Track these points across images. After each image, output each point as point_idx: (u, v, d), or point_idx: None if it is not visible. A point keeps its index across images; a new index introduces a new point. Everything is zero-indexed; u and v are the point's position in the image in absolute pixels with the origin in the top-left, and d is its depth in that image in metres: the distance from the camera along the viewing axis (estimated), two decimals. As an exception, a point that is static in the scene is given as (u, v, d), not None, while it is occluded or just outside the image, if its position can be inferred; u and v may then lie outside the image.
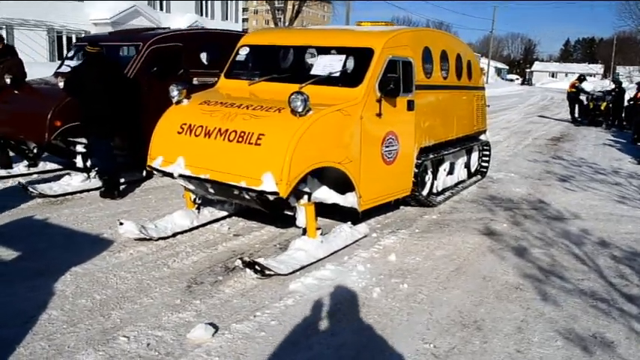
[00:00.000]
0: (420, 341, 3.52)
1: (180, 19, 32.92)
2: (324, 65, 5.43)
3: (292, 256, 4.63)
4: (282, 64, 5.97)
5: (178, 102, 5.36)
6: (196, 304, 3.95)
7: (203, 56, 8.41)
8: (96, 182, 7.08)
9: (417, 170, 6.15)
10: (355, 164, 5.02)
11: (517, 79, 79.92)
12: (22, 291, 4.08)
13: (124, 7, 29.02)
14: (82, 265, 4.62)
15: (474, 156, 8.79)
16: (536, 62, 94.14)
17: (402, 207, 6.75)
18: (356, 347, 3.42)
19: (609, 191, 8.40)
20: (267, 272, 4.28)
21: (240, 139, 4.61)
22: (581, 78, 19.85)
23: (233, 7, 40.95)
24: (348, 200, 5.22)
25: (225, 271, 4.57)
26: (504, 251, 5.36)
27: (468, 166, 8.56)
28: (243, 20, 59.15)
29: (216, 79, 6.51)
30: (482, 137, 9.02)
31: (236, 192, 4.65)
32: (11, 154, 8.06)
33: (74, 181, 7.10)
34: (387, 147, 5.47)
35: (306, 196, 4.84)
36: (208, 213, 5.83)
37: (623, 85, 19.77)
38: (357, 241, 5.33)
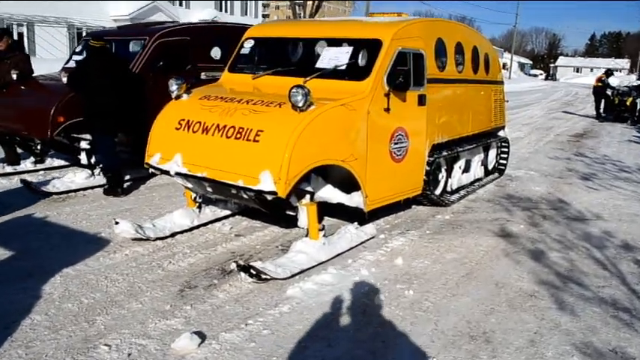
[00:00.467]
0: (421, 356, 3.25)
1: (199, 14, 32.89)
2: (330, 58, 5.17)
3: (292, 259, 4.39)
4: (288, 57, 5.72)
5: (178, 97, 5.16)
6: (187, 310, 3.73)
7: (211, 50, 8.20)
8: (100, 179, 6.93)
9: (428, 168, 5.86)
10: (361, 162, 4.75)
11: (541, 74, 78.49)
12: (9, 293, 3.91)
13: (143, 4, 29.12)
14: (74, 266, 4.45)
15: (492, 153, 8.45)
16: (560, 57, 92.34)
17: (413, 206, 6.47)
18: (353, 360, 3.17)
19: (634, 190, 7.99)
20: (264, 276, 4.05)
21: (239, 136, 4.38)
22: (609, 72, 19.23)
23: (252, 3, 40.84)
24: (354, 200, 4.97)
25: (222, 274, 4.35)
26: (520, 255, 5.04)
27: (485, 163, 8.22)
28: (264, 16, 59.00)
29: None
30: (501, 133, 8.67)
31: (234, 191, 4.42)
32: (19, 150, 7.98)
33: (78, 178, 6.96)
34: (395, 144, 5.19)
35: (308, 196, 4.59)
36: (210, 212, 5.62)
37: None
38: (363, 242, 5.07)
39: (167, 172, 4.80)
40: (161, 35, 7.46)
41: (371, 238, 5.19)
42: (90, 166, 7.08)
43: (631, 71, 65.90)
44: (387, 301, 3.91)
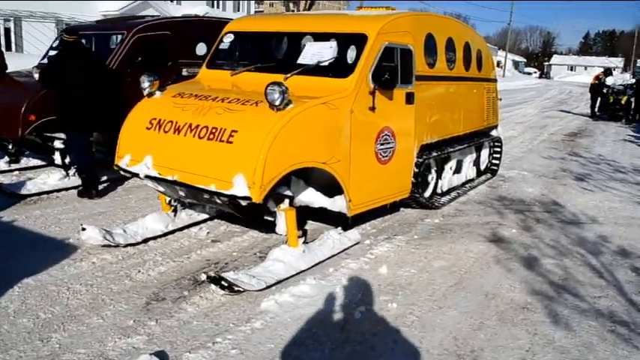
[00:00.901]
0: (404, 378, 2.98)
1: (190, 10, 32.44)
2: (313, 53, 4.88)
3: (269, 268, 4.11)
4: (270, 53, 5.42)
5: (150, 94, 4.86)
6: (151, 326, 3.44)
7: (196, 46, 7.88)
8: (75, 180, 6.61)
9: (417, 170, 5.59)
10: (344, 164, 4.47)
11: (535, 72, 78.41)
12: (-39, 306, 3.61)
13: (133, -1, 28.72)
14: (36, 276, 4.15)
15: (484, 153, 8.19)
16: (554, 55, 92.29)
17: (402, 209, 6.20)
18: (328, 384, 2.89)
19: (630, 192, 7.75)
20: (236, 288, 3.76)
21: (212, 136, 4.09)
22: (608, 72, 19.02)
23: (245, -1, 40.45)
24: (337, 204, 4.69)
25: (193, 284, 4.06)
26: (512, 262, 4.78)
27: (477, 163, 7.97)
28: (257, 12, 58.54)
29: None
30: (494, 133, 8.42)
31: (206, 196, 4.13)
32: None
33: (51, 179, 6.65)
34: (381, 144, 4.91)
35: (286, 200, 4.31)
36: (186, 216, 5.32)
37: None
38: (346, 249, 4.78)
39: (137, 175, 4.50)
40: (140, 30, 7.14)
41: (355, 244, 4.91)
42: (64, 167, 6.77)
43: (624, 69, 65.86)
44: (368, 316, 3.63)
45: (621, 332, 3.60)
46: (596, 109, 18.86)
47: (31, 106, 6.38)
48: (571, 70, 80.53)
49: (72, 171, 6.68)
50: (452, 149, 6.52)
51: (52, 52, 7.95)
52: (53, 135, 6.72)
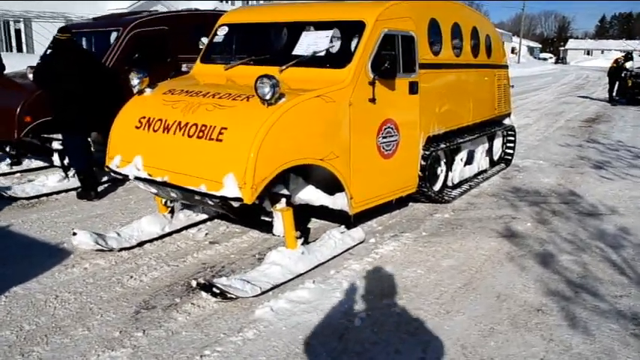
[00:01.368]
0: (405, 393, 2.73)
1: (199, 6, 32.26)
2: (309, 44, 4.63)
3: (265, 272, 3.88)
4: (265, 45, 5.17)
5: (140, 92, 4.64)
6: (137, 337, 3.24)
7: (194, 40, 7.65)
8: (75, 182, 6.46)
9: (424, 163, 5.31)
10: (343, 160, 4.22)
11: (550, 57, 77.06)
12: (-57, 319, 3.45)
13: (142, -5, 28.57)
14: (25, 284, 3.98)
15: (497, 142, 7.89)
16: (570, 40, 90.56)
17: (411, 204, 5.93)
18: (322, 401, 2.66)
19: (652, 179, 7.39)
20: (229, 295, 3.54)
21: (201, 134, 3.87)
22: (628, 56, 18.45)
23: (255, -7, 40.14)
24: (338, 202, 4.44)
25: (186, 290, 3.85)
26: (526, 259, 4.50)
27: (490, 154, 7.67)
28: (267, 6, 58.04)
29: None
30: (507, 121, 8.10)
31: (198, 197, 3.91)
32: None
33: (50, 181, 6.51)
34: (384, 138, 4.65)
35: (283, 200, 4.07)
36: (184, 217, 5.12)
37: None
38: (349, 249, 4.54)
39: (127, 177, 4.30)
40: (136, 25, 6.95)
41: (359, 244, 4.66)
42: (63, 168, 6.62)
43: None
44: (369, 322, 3.39)
45: (645, 335, 3.32)
46: (615, 94, 18.31)
47: (26, 107, 6.24)
48: (588, 54, 78.96)
49: (71, 172, 6.53)
50: (462, 140, 6.23)
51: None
52: (51, 136, 6.56)
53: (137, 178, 4.20)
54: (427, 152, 5.33)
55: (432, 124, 5.40)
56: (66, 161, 6.55)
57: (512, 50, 60.52)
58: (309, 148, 3.93)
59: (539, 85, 26.99)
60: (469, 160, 7.10)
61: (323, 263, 4.22)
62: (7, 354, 3.09)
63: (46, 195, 6.30)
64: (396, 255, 4.50)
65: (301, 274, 4.00)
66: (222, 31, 5.35)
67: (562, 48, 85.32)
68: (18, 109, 6.16)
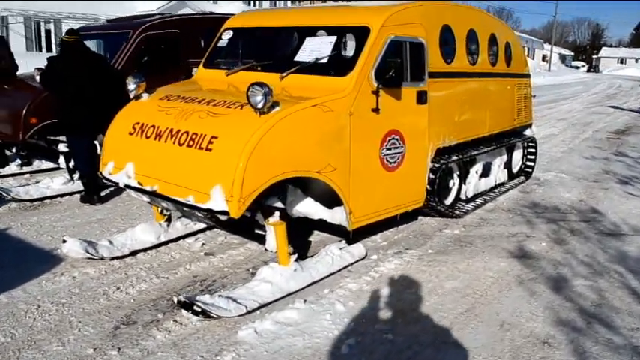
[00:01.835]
0: None
1: (227, 9, 32.41)
2: (312, 49, 4.44)
3: (253, 289, 3.68)
4: (268, 50, 4.98)
5: (137, 97, 4.51)
6: (111, 356, 3.07)
7: (205, 44, 7.54)
8: (79, 185, 6.37)
9: (433, 176, 5.05)
10: (342, 172, 4.00)
11: (582, 66, 75.38)
12: None
13: (170, -2, 28.87)
14: (10, 292, 3.88)
15: (517, 155, 7.55)
16: (603, 48, 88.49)
17: (420, 218, 5.67)
18: None
19: (682, 198, 6.97)
20: (211, 314, 3.35)
21: (191, 143, 3.69)
22: None
23: (282, -4, 40.21)
24: (337, 217, 4.22)
25: (171, 306, 3.67)
26: (536, 283, 4.20)
27: (508, 166, 7.34)
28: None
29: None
30: (527, 132, 7.76)
31: (186, 209, 3.74)
32: (9, 153, 7.53)
33: (55, 184, 6.44)
34: (388, 149, 4.41)
35: (277, 213, 3.87)
36: (182, 226, 4.96)
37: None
38: (348, 266, 4.31)
39: (118, 184, 4.16)
40: (146, 28, 6.86)
41: (359, 260, 4.43)
42: (69, 171, 6.55)
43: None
44: (358, 349, 3.16)
45: (662, 376, 3.02)
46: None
47: (32, 109, 6.19)
48: (621, 62, 77.01)
49: (76, 175, 6.45)
50: (476, 152, 5.94)
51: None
52: (57, 138, 6.50)
53: (127, 187, 4.05)
54: (437, 165, 5.07)
55: (442, 136, 5.14)
56: (71, 164, 6.47)
57: (543, 58, 59.41)
58: (304, 159, 3.72)
59: (569, 94, 26.30)
60: (485, 173, 6.81)
61: (318, 281, 4.00)
62: (-25, 369, 2.96)
63: (50, 198, 6.22)
64: (397, 274, 4.26)
65: (293, 293, 3.79)
66: (226, 35, 5.19)
67: (595, 56, 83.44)
68: (24, 111, 6.11)
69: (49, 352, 3.12)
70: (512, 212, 6.15)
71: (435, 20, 4.97)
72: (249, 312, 3.48)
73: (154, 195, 3.87)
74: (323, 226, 4.50)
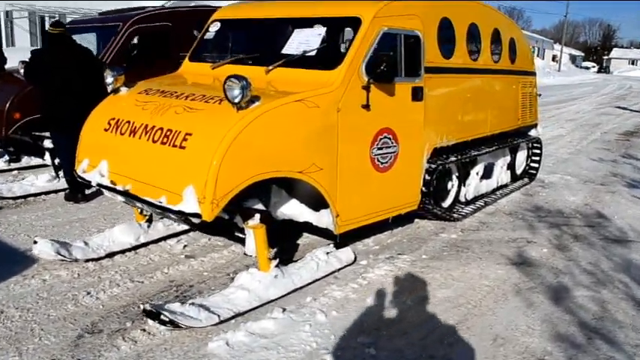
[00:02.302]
0: None
1: (225, 2, 32.16)
2: (300, 42, 4.19)
3: (229, 297, 3.44)
4: (256, 42, 4.74)
5: (115, 91, 4.28)
6: (69, 370, 2.84)
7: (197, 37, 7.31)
8: (65, 182, 6.16)
9: (428, 177, 4.79)
10: (328, 173, 3.75)
11: (593, 66, 74.55)
12: None
13: (180, -8, 28.65)
14: (-25, 296, 3.65)
15: (521, 155, 7.28)
16: (614, 49, 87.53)
17: (416, 220, 5.41)
18: None
19: (692, 203, 6.66)
20: (180, 325, 3.11)
21: (165, 140, 3.46)
22: None
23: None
24: (324, 220, 3.98)
25: (141, 314, 3.43)
26: (535, 293, 3.93)
27: (512, 167, 7.07)
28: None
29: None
30: (533, 133, 7.48)
31: (159, 210, 3.50)
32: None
33: (39, 181, 6.24)
34: (379, 149, 4.16)
35: (257, 216, 3.62)
36: (163, 227, 4.72)
37: None
38: (334, 272, 4.06)
39: (91, 183, 3.93)
40: (136, 21, 6.64)
41: (347, 266, 4.18)
42: (55, 168, 6.34)
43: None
44: (337, 366, 2.91)
45: (669, 400, 2.75)
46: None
47: (15, 103, 5.99)
48: (632, 64, 76.13)
49: (62, 172, 6.24)
50: (477, 152, 5.67)
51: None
52: (42, 134, 6.30)
53: (100, 186, 3.83)
54: (433, 166, 4.80)
55: (439, 135, 4.88)
56: (57, 161, 6.27)
57: (554, 58, 58.83)
58: (286, 159, 3.47)
59: (578, 95, 25.90)
60: (487, 174, 6.53)
61: (300, 288, 3.76)
62: None
63: (34, 195, 6.03)
64: (387, 281, 4.00)
65: (272, 301, 3.55)
66: (214, 27, 4.95)
67: (605, 57, 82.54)
68: (7, 106, 5.90)
69: (3, 364, 2.89)
70: (513, 216, 5.87)
71: (433, 12, 4.71)
72: (222, 322, 3.24)
73: (126, 195, 3.64)
74: (310, 228, 4.25)
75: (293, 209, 4.01)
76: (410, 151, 4.47)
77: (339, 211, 3.88)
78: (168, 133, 3.46)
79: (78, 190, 5.86)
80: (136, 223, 4.59)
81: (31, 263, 4.22)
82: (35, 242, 4.10)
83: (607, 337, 3.34)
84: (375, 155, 4.12)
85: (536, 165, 7.51)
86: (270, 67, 4.06)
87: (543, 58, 55.47)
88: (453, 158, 5.17)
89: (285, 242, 4.65)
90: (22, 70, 6.10)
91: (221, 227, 3.83)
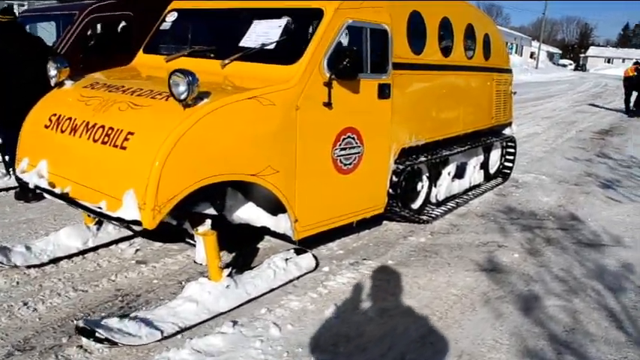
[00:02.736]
0: None
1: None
2: (259, 34, 3.92)
3: (175, 310, 3.18)
4: (215, 34, 4.47)
5: (59, 84, 3.97)
6: (-13, 395, 2.56)
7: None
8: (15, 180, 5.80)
9: (396, 179, 4.57)
10: (285, 175, 3.50)
11: (570, 64, 75.38)
12: None
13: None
14: None
15: (494, 155, 7.12)
16: (591, 47, 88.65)
17: (385, 222, 5.20)
18: None
19: (666, 204, 6.57)
20: (117, 342, 2.84)
21: (106, 139, 3.17)
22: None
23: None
24: (281, 225, 3.73)
25: (74, 331, 3.15)
26: (504, 303, 3.74)
27: (485, 167, 6.90)
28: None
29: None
30: (507, 131, 7.33)
31: (98, 217, 3.22)
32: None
33: (-11, 178, 5.87)
34: (342, 149, 3.92)
35: (208, 221, 3.36)
36: (114, 230, 4.42)
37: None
38: (293, 280, 3.82)
39: (29, 185, 3.63)
40: (94, 10, 6.29)
41: (307, 273, 3.94)
42: (5, 165, 5.99)
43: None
44: (287, 388, 2.68)
45: (641, 423, 2.57)
46: (632, 105, 17.33)
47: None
48: (608, 62, 77.21)
49: (12, 169, 5.88)
50: (448, 152, 5.47)
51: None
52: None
53: (38, 188, 3.52)
54: (401, 167, 4.59)
55: (408, 134, 4.66)
56: (7, 157, 5.91)
57: (531, 55, 59.27)
58: (238, 160, 3.21)
59: (555, 92, 26.00)
60: (460, 174, 6.37)
61: (255, 298, 3.51)
62: None
63: (-18, 194, 5.67)
64: (349, 290, 3.77)
65: (223, 313, 3.29)
66: (170, 17, 4.66)
67: (582, 55, 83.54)
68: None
69: None
70: (485, 217, 5.70)
71: (403, 5, 4.48)
72: (165, 338, 2.98)
73: (65, 199, 3.34)
74: (271, 232, 4.01)
75: (250, 213, 3.76)
76: (376, 151, 4.24)
77: (298, 216, 3.63)
78: (110, 131, 3.17)
79: (29, 189, 5.50)
80: (84, 226, 4.29)
81: (-33, 270, 3.90)
82: (-31, 247, 3.79)
83: (578, 352, 3.16)
84: (338, 156, 3.89)
85: (510, 164, 7.37)
86: (227, 61, 3.80)
87: (521, 55, 55.86)
88: (422, 159, 4.96)
89: (244, 247, 4.41)
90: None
91: (170, 233, 3.56)
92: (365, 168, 4.13)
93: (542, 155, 9.43)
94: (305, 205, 3.66)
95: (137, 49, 6.46)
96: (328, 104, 3.69)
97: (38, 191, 3.69)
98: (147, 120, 3.10)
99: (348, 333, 3.21)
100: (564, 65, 72.11)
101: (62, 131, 3.49)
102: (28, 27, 7.47)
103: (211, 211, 3.43)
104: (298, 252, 4.04)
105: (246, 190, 3.75)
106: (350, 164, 4.00)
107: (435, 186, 5.71)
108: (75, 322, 3.19)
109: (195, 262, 3.67)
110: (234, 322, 3.19)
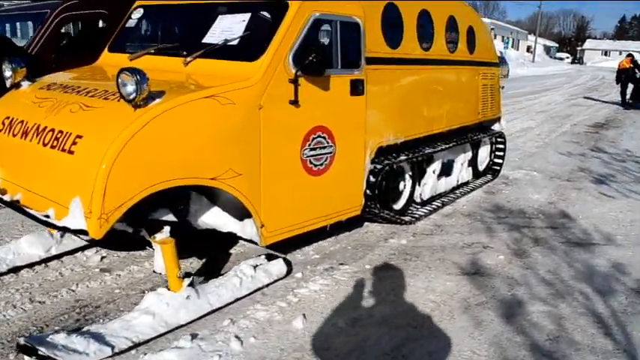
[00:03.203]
0: None
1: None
2: (223, 30, 3.73)
3: (130, 323, 2.99)
4: (180, 31, 4.28)
5: (16, 85, 3.77)
6: None
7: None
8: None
9: (374, 179, 4.38)
10: (249, 178, 3.30)
11: (567, 57, 75.11)
12: None
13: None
14: None
15: (483, 151, 6.94)
16: (588, 40, 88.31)
17: (366, 224, 5.01)
18: None
19: (660, 199, 6.38)
20: (62, 361, 2.65)
21: (55, 143, 2.98)
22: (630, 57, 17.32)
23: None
24: (247, 230, 3.54)
25: (15, 350, 2.95)
26: (485, 309, 3.55)
27: (474, 164, 6.71)
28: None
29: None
30: (496, 127, 7.13)
31: (45, 225, 3.02)
32: None
33: (-42, 183, 5.66)
34: (312, 149, 3.72)
35: (166, 229, 3.17)
36: (79, 237, 4.23)
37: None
38: (262, 288, 3.63)
39: (-22, 191, 3.42)
40: (66, 8, 6.07)
41: (278, 280, 3.75)
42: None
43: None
44: (242, 409, 2.48)
45: None
46: (628, 97, 17.13)
47: None
48: (605, 55, 76.90)
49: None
50: (431, 150, 5.28)
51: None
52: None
53: (-13, 195, 3.33)
54: (378, 166, 4.39)
55: (385, 132, 4.46)
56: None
57: (528, 49, 59.03)
58: (195, 164, 3.01)
59: (551, 85, 25.81)
60: (447, 172, 6.18)
61: (219, 309, 3.31)
62: None
63: (-49, 200, 5.46)
64: (320, 298, 3.58)
65: (183, 326, 3.10)
66: (136, 14, 4.46)
67: (579, 48, 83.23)
68: None
69: None
70: (471, 217, 5.50)
71: (377, -2, 4.27)
72: (116, 354, 2.79)
73: (14, 207, 3.15)
74: (239, 238, 3.82)
75: (216, 219, 3.57)
76: (349, 150, 4.05)
77: (265, 221, 3.44)
78: (59, 135, 2.98)
79: (-2, 194, 5.32)
80: (47, 233, 4.09)
81: None
82: None
83: (559, 363, 2.97)
84: (308, 157, 3.69)
85: (499, 161, 7.18)
86: (189, 59, 3.60)
87: (518, 49, 55.64)
88: (403, 157, 4.77)
89: (215, 253, 4.23)
90: None
91: (135, 240, 3.37)
92: (338, 168, 3.94)
93: (534, 150, 9.25)
94: (272, 209, 3.47)
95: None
96: (295, 102, 3.50)
97: None
98: (96, 122, 2.91)
99: (315, 345, 3.02)
100: (561, 59, 71.81)
101: (14, 135, 3.30)
102: (7, 26, 7.31)
103: (170, 217, 3.24)
104: (270, 258, 3.85)
105: (212, 195, 3.56)
106: (321, 165, 3.81)
107: (420, 185, 5.52)
108: (31, 333, 3.01)
109: (154, 271, 3.48)
110: (194, 336, 3.00)
